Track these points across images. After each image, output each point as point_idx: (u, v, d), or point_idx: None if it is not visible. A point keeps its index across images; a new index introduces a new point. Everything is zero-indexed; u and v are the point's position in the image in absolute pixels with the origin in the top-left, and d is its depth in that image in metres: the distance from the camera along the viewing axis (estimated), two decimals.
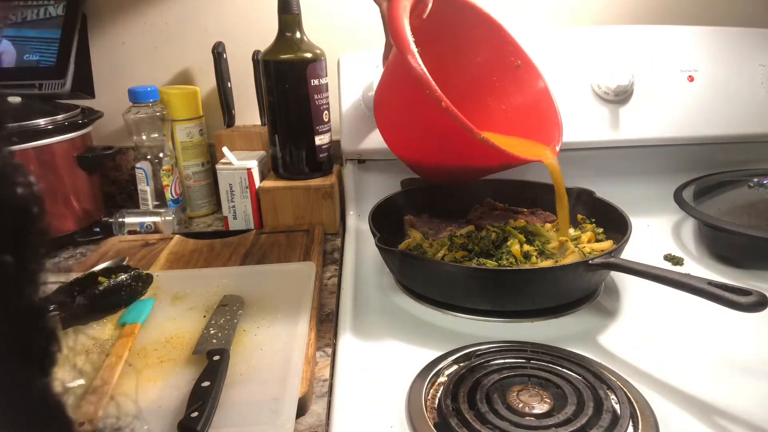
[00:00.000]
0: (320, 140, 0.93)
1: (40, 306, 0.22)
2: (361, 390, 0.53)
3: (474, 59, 0.86)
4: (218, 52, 1.01)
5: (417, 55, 0.65)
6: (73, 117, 0.91)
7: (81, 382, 0.53)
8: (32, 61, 0.98)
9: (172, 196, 0.99)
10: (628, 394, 0.49)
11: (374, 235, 0.71)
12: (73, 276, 0.65)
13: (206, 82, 1.10)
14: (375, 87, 0.85)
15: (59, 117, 0.88)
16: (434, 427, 0.46)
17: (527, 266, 0.68)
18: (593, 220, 0.81)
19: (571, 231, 0.78)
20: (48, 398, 0.23)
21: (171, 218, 0.94)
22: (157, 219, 0.94)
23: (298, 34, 0.89)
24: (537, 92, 0.84)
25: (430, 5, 0.73)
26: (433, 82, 0.65)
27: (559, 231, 0.75)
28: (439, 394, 0.51)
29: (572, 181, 0.86)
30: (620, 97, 0.94)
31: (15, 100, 0.90)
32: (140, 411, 0.48)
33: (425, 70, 0.65)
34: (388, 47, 0.77)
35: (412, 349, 0.60)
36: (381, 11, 0.73)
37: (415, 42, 0.67)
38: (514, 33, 0.85)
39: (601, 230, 0.77)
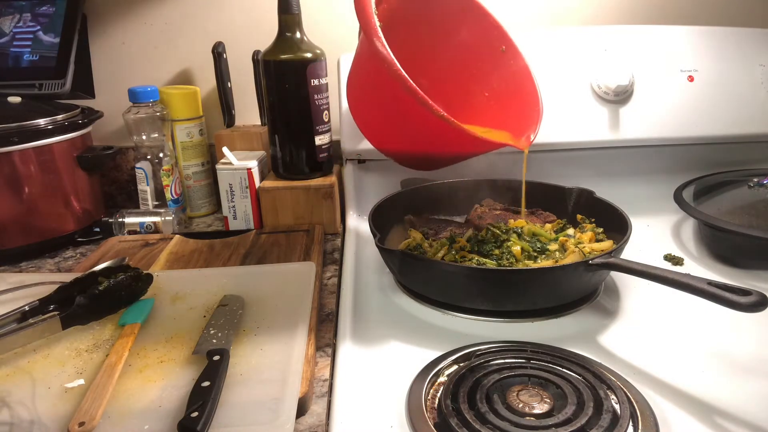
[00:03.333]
0: (320, 140, 0.93)
1: None
2: (361, 390, 0.53)
3: (457, 43, 0.84)
4: (218, 52, 1.01)
5: (380, 34, 0.63)
6: (73, 117, 0.91)
7: (81, 382, 0.53)
8: (32, 61, 0.98)
9: (172, 196, 0.99)
10: (628, 394, 0.49)
11: (374, 235, 0.71)
12: (73, 276, 0.65)
13: (206, 82, 1.10)
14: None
15: (59, 117, 0.88)
16: (434, 427, 0.46)
17: (526, 266, 0.68)
18: (593, 220, 0.81)
19: (571, 231, 0.78)
20: None
21: (171, 218, 0.94)
22: (157, 219, 0.94)
23: (298, 34, 0.89)
24: (521, 78, 0.82)
25: None
26: (394, 59, 0.63)
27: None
28: (439, 394, 0.51)
29: (572, 181, 0.86)
30: (620, 97, 0.94)
31: (15, 100, 0.90)
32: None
33: (388, 48, 0.63)
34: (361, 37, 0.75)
35: (412, 349, 0.60)
36: None
37: (393, 25, 0.65)
38: (498, 17, 0.83)
39: (601, 230, 0.77)
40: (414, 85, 0.63)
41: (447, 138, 0.70)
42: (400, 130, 0.76)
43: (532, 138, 0.76)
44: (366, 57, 0.72)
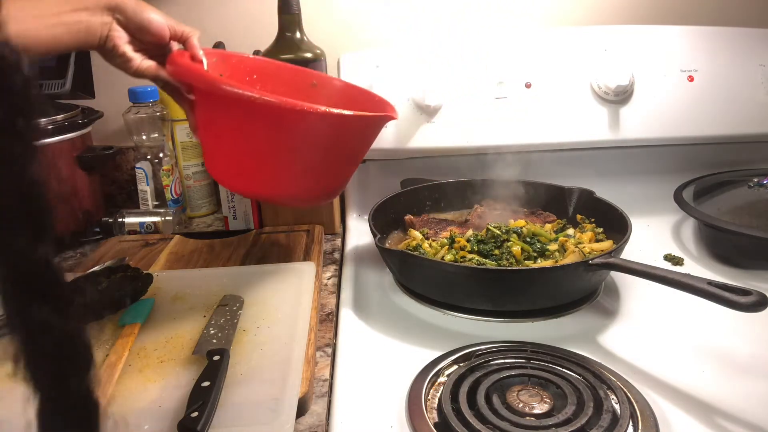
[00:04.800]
0: None
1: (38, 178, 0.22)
2: (361, 390, 0.53)
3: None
4: None
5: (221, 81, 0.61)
6: (73, 117, 0.91)
7: None
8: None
9: (172, 196, 0.99)
10: (628, 394, 0.49)
11: (374, 235, 0.71)
12: (73, 276, 0.65)
13: None
14: (373, 88, 0.80)
15: (59, 117, 0.88)
16: (434, 427, 0.46)
17: (526, 266, 0.68)
18: (593, 220, 0.81)
19: (571, 231, 0.78)
20: (49, 264, 0.24)
21: (171, 218, 0.94)
22: (157, 219, 0.93)
23: (298, 34, 0.89)
24: (347, 94, 0.78)
25: (204, 60, 0.66)
26: (253, 93, 0.59)
27: None
28: (439, 394, 0.51)
29: (572, 181, 0.86)
30: (620, 97, 0.94)
31: None
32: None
33: (238, 86, 0.59)
34: (189, 112, 0.68)
35: (412, 349, 0.60)
36: (162, 80, 0.66)
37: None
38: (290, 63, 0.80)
39: (601, 230, 0.77)
40: (280, 97, 0.58)
41: (330, 146, 0.64)
42: (278, 168, 0.67)
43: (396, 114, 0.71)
44: (213, 112, 0.65)
